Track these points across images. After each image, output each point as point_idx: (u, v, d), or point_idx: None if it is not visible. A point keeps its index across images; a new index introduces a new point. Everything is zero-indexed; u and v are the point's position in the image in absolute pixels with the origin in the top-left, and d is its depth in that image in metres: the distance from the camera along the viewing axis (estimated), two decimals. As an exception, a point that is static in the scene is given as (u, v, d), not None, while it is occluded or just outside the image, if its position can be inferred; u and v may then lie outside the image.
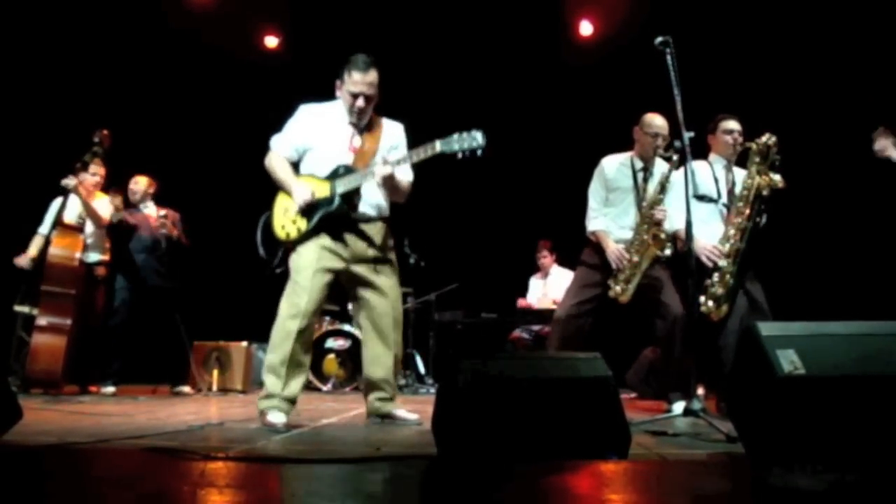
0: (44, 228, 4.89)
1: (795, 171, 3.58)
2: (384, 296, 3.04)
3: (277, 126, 3.15)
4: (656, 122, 3.69)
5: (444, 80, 6.50)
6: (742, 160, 3.68)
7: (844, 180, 5.20)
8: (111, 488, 1.43)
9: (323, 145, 3.03)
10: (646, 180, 3.74)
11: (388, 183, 2.97)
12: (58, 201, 4.81)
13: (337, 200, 2.93)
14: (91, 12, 6.03)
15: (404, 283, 3.86)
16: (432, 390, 5.67)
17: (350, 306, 5.57)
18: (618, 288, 3.60)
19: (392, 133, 3.13)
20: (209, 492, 1.38)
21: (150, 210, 5.25)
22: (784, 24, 5.71)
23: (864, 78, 5.31)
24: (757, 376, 1.86)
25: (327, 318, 5.96)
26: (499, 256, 6.58)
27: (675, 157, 3.39)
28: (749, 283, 3.58)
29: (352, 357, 5.68)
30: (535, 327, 5.84)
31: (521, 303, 6.12)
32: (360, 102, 2.96)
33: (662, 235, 3.54)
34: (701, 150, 3.77)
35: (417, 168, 3.08)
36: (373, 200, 3.05)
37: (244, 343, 5.55)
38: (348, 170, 2.96)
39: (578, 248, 3.91)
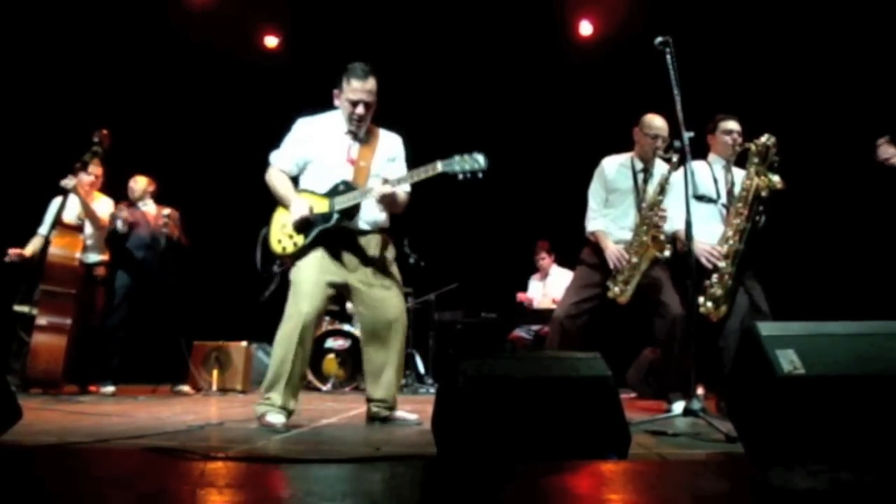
0: (43, 229, 4.89)
1: (794, 171, 3.58)
2: (384, 307, 3.04)
3: (278, 127, 3.15)
4: (656, 123, 3.69)
5: (444, 79, 6.51)
6: (741, 160, 3.68)
7: (843, 181, 5.20)
8: (111, 488, 1.43)
9: (321, 157, 3.04)
10: (646, 181, 3.74)
11: (388, 200, 2.98)
12: (57, 201, 4.80)
13: (335, 217, 2.94)
14: (91, 12, 6.03)
15: (404, 283, 3.85)
16: (432, 390, 5.67)
17: (349, 305, 5.58)
18: (616, 289, 3.61)
19: (389, 144, 3.14)
20: (209, 492, 1.38)
21: (150, 208, 5.24)
22: (784, 24, 5.71)
23: (863, 79, 5.31)
24: (757, 376, 1.86)
25: (327, 318, 5.96)
26: (499, 256, 6.58)
27: (674, 159, 3.38)
28: (748, 283, 3.58)
29: (352, 357, 5.68)
30: (535, 327, 5.85)
31: (520, 296, 6.12)
32: (360, 110, 2.97)
33: (662, 237, 3.54)
34: (700, 151, 3.77)
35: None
36: (370, 216, 3.05)
37: (244, 343, 5.54)
38: (348, 187, 2.96)
39: (578, 248, 3.91)
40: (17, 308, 4.70)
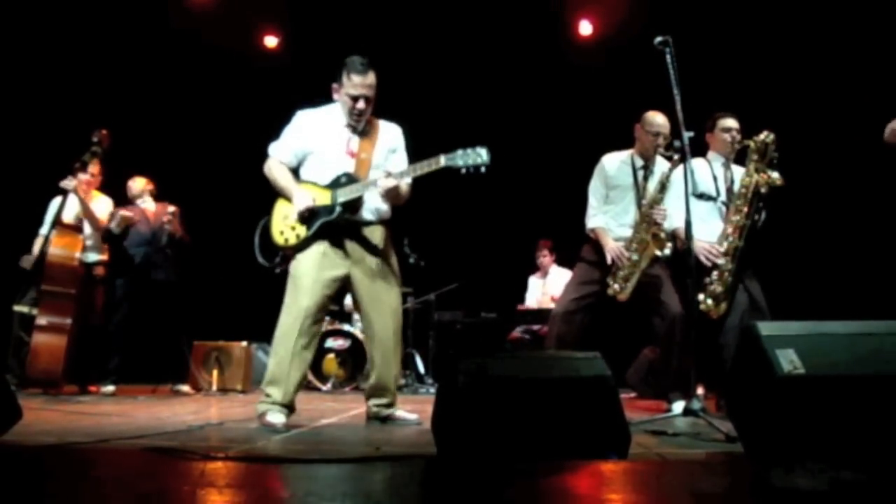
0: (44, 229, 4.89)
1: (794, 168, 3.58)
2: (385, 302, 3.04)
3: (278, 127, 3.15)
4: (657, 120, 3.69)
5: (444, 79, 6.50)
6: (741, 158, 3.68)
7: (843, 178, 5.20)
8: (111, 488, 1.43)
9: (321, 149, 3.03)
10: (646, 178, 3.73)
11: (391, 194, 2.97)
12: (57, 201, 4.80)
13: (338, 209, 2.93)
14: (91, 12, 6.03)
15: (404, 282, 3.86)
16: (432, 390, 5.67)
17: (347, 300, 5.57)
18: (616, 286, 3.61)
19: (390, 135, 3.13)
20: (209, 492, 1.38)
21: (148, 205, 5.24)
22: (783, 23, 5.71)
23: (863, 76, 5.31)
24: (756, 376, 1.86)
25: (327, 318, 5.95)
26: (499, 256, 6.58)
27: (675, 157, 3.38)
28: (747, 281, 3.58)
29: (352, 357, 5.68)
30: (535, 327, 5.84)
31: (520, 309, 6.13)
32: (361, 104, 2.96)
33: (662, 235, 3.53)
34: (700, 149, 3.77)
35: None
36: (373, 206, 3.05)
37: (244, 343, 5.54)
38: (350, 179, 2.95)
39: (578, 247, 3.91)
40: (17, 308, 4.71)
